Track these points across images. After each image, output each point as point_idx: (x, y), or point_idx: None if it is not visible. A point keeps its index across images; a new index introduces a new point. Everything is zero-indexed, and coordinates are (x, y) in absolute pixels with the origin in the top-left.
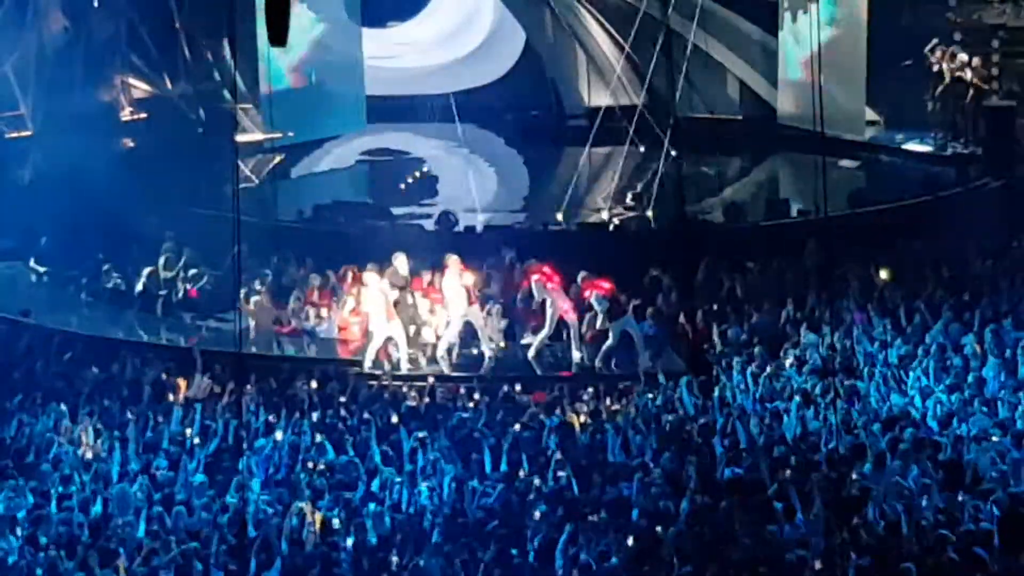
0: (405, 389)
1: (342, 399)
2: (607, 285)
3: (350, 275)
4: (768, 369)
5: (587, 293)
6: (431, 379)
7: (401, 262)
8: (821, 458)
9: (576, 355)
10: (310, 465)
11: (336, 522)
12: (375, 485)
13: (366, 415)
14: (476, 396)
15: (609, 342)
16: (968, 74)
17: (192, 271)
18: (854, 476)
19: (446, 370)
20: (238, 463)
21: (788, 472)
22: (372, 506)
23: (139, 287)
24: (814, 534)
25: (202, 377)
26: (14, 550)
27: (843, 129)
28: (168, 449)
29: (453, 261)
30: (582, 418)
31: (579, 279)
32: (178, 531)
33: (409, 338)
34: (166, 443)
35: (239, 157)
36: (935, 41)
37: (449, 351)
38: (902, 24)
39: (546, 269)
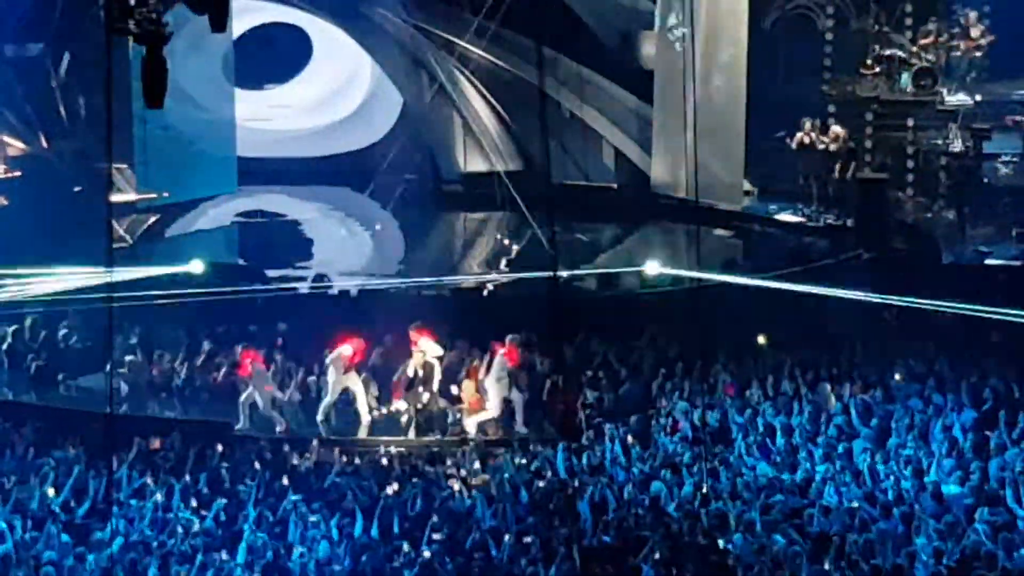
0: (284, 451)
1: (218, 462)
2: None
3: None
4: (639, 437)
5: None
6: (315, 442)
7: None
8: (690, 526)
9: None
10: (181, 528)
11: None
12: (244, 549)
13: (240, 477)
14: (352, 460)
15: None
16: (841, 146)
17: (63, 331)
18: (723, 544)
19: (324, 434)
20: (108, 525)
21: (658, 539)
22: (240, 570)
23: (4, 346)
24: None
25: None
26: None
27: (718, 198)
28: (37, 511)
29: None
30: (454, 483)
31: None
32: None
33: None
34: (35, 504)
35: (113, 216)
36: (804, 120)
37: (327, 416)
38: (776, 96)
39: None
